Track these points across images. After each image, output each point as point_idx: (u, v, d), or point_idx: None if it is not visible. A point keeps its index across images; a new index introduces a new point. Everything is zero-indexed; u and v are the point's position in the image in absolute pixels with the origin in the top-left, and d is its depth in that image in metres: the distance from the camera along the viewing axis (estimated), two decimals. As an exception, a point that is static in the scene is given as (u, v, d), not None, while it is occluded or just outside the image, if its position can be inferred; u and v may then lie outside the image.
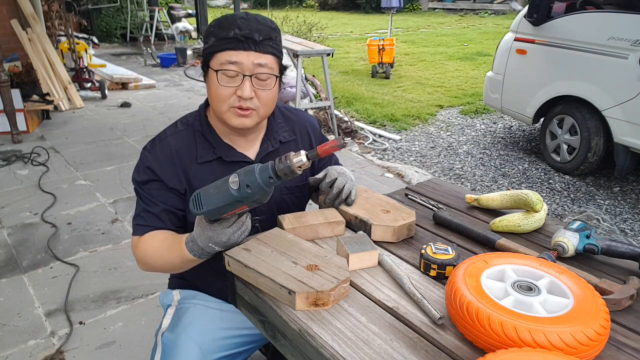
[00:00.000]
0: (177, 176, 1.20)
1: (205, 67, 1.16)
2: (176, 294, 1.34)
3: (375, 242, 1.14)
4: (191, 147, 1.22)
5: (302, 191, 1.35)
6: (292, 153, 0.92)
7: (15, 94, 4.27)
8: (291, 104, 4.43)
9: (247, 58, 1.10)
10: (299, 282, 0.93)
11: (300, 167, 0.91)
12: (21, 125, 4.37)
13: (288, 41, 4.69)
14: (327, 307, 0.92)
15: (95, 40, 9.05)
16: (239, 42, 1.09)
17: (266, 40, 1.12)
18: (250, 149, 1.26)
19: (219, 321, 1.25)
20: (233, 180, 0.92)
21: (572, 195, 3.48)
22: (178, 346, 1.17)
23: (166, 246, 1.14)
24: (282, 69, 1.20)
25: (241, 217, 1.01)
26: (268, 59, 1.12)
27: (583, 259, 1.09)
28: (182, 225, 1.25)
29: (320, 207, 1.30)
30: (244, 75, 1.10)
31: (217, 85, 1.12)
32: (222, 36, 1.10)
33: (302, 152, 0.91)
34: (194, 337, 1.18)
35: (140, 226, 1.21)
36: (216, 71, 1.11)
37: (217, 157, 1.22)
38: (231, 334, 1.25)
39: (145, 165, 1.20)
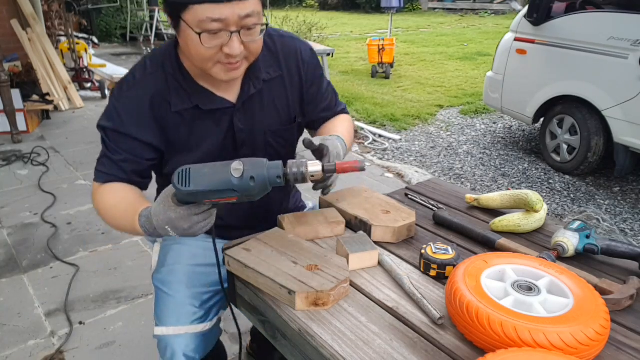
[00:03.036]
0: (149, 127, 1.12)
1: (176, 18, 0.99)
2: None
3: (375, 242, 1.14)
4: (164, 93, 1.11)
5: (289, 132, 1.27)
6: (309, 162, 0.88)
7: (15, 94, 4.27)
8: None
9: (232, 11, 0.94)
10: (299, 282, 0.93)
11: (313, 176, 0.89)
12: (21, 125, 4.36)
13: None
14: (327, 307, 0.92)
15: (95, 40, 9.05)
16: None
17: None
18: (231, 91, 1.15)
19: (201, 258, 1.26)
20: (236, 167, 0.86)
21: (572, 195, 3.48)
22: (167, 286, 1.22)
23: (122, 209, 1.08)
24: (263, 4, 1.06)
25: (212, 209, 0.93)
26: (252, 5, 0.97)
27: (583, 259, 1.09)
28: (148, 176, 1.19)
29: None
30: (232, 32, 0.97)
31: (197, 46, 0.98)
32: None
33: (319, 163, 0.89)
34: (180, 278, 1.22)
35: (101, 173, 1.15)
36: (198, 34, 0.96)
37: (193, 106, 1.12)
38: (210, 271, 1.24)
39: (113, 113, 1.12)
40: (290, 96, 1.23)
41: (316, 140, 1.07)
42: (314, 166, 0.88)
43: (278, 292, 0.94)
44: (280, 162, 0.88)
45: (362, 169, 0.90)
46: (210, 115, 1.15)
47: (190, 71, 1.11)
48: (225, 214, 1.24)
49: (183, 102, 1.12)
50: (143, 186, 1.20)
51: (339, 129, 1.27)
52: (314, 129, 1.35)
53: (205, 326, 1.23)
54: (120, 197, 1.11)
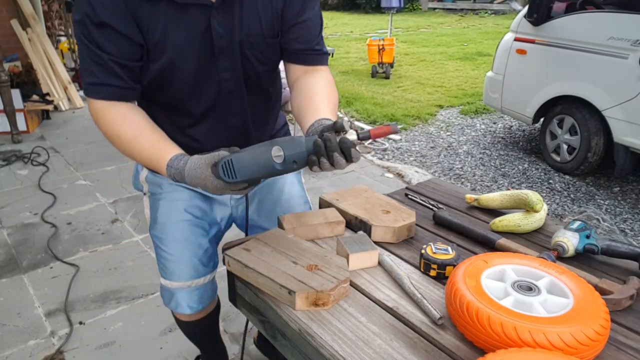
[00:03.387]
0: (125, 18, 0.98)
1: None
2: (144, 183, 1.34)
3: (375, 242, 1.14)
4: None
5: (270, 48, 1.14)
6: (345, 130, 0.85)
7: (15, 94, 4.27)
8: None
9: None
10: (298, 282, 0.93)
11: None
12: (21, 125, 4.36)
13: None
14: (327, 307, 0.92)
15: (95, 40, 9.04)
16: None
17: None
18: None
19: (194, 210, 1.27)
20: (277, 154, 0.87)
21: (572, 195, 3.48)
22: (163, 243, 1.26)
23: (143, 147, 1.04)
24: None
25: (246, 185, 0.96)
26: None
27: (583, 259, 1.09)
28: (139, 81, 1.08)
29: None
30: None
31: None
32: None
33: (353, 132, 0.86)
34: (174, 235, 1.25)
35: (95, 86, 1.02)
36: None
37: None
38: (200, 224, 1.28)
39: (85, 5, 0.96)
40: (275, 6, 1.09)
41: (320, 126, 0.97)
42: (349, 135, 0.86)
43: (278, 292, 0.94)
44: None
45: (396, 132, 0.88)
46: (185, 11, 1.01)
47: None
48: (204, 138, 1.22)
49: None
50: (138, 94, 1.10)
51: (325, 104, 1.09)
52: (287, 61, 1.20)
53: (206, 279, 1.29)
54: (136, 129, 1.05)
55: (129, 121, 1.06)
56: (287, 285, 0.92)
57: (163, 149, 1.03)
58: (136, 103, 1.14)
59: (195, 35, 1.04)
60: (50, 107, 4.86)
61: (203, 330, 1.50)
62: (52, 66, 5.24)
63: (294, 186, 1.39)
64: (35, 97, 4.72)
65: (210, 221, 1.32)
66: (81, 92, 5.68)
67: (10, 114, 4.19)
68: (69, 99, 5.36)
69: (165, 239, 1.26)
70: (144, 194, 1.36)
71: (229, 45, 1.08)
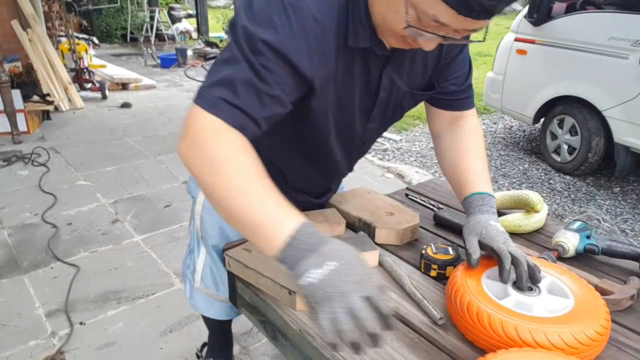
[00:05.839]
0: (321, 61, 0.82)
1: None
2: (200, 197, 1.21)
3: (378, 244, 1.14)
4: (340, 22, 0.83)
5: (424, 97, 1.08)
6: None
7: (16, 94, 4.27)
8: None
9: (461, 25, 0.75)
10: None
11: None
12: (21, 125, 4.36)
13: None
14: None
15: (96, 41, 9.05)
16: (473, 10, 0.72)
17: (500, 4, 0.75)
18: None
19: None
20: None
21: (572, 196, 3.47)
22: (215, 260, 1.23)
23: (261, 195, 0.74)
24: None
25: None
26: (486, 22, 0.80)
27: (583, 259, 1.09)
28: (275, 120, 0.84)
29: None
30: (439, 36, 0.77)
31: (396, 21, 0.77)
32: None
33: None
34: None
35: (228, 104, 0.76)
36: (408, 25, 0.75)
37: (368, 47, 0.87)
38: None
39: (282, 22, 0.76)
40: (443, 58, 1.02)
41: (487, 242, 0.92)
42: None
43: (278, 293, 0.94)
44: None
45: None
46: (366, 62, 0.91)
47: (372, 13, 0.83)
48: (302, 184, 1.18)
49: (364, 38, 0.85)
50: (260, 135, 0.83)
51: (480, 168, 1.05)
52: (437, 107, 1.12)
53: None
54: (255, 172, 0.76)
55: (253, 157, 0.78)
56: (288, 285, 0.92)
57: (292, 210, 0.74)
58: None
59: (364, 84, 0.94)
60: (50, 108, 4.87)
61: (225, 329, 1.59)
62: (53, 67, 5.24)
63: None
64: (35, 97, 4.72)
65: None
66: (82, 93, 5.68)
67: (11, 114, 4.19)
68: (69, 100, 5.36)
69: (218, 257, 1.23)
70: (196, 200, 1.22)
71: (388, 98, 0.99)
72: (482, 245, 0.93)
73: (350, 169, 1.23)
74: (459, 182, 1.06)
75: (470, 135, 1.10)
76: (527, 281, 0.85)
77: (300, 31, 0.77)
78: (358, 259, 0.70)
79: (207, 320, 1.54)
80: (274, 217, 0.72)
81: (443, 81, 1.07)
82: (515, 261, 0.87)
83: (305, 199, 1.23)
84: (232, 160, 0.75)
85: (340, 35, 0.83)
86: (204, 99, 0.77)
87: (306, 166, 1.11)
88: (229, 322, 1.57)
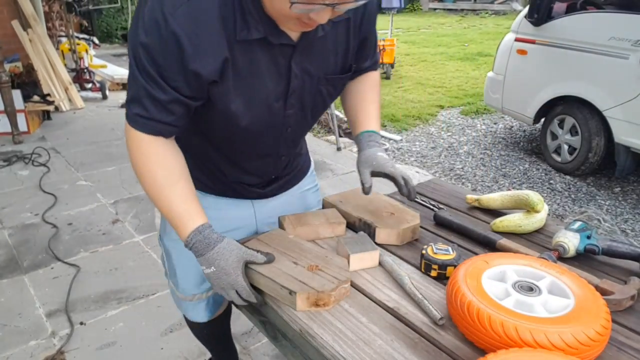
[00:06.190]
0: (214, 53, 0.88)
1: None
2: None
3: (379, 244, 1.14)
4: (228, 14, 0.88)
5: (342, 81, 1.13)
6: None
7: (16, 94, 4.28)
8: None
9: None
10: (299, 282, 0.93)
11: None
12: (22, 125, 4.37)
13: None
14: (328, 308, 0.92)
15: (96, 41, 9.03)
16: None
17: None
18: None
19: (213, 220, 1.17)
20: None
21: (572, 196, 3.47)
22: (177, 254, 1.25)
23: (179, 197, 0.96)
24: None
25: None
26: None
27: (584, 260, 1.09)
28: (190, 116, 0.97)
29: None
30: (327, 5, 0.81)
31: (283, 3, 0.81)
32: None
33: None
34: (182, 249, 1.20)
35: (142, 118, 0.92)
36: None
37: (262, 37, 0.91)
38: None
39: (167, 30, 0.83)
40: (352, 41, 1.07)
41: (379, 169, 1.11)
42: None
43: (279, 293, 0.94)
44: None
45: None
46: (273, 51, 0.95)
47: (263, 2, 0.88)
48: (248, 165, 1.18)
49: (249, 30, 0.89)
50: (182, 131, 0.99)
51: (372, 111, 1.22)
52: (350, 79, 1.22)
53: (209, 293, 1.29)
54: (174, 177, 0.97)
55: (168, 164, 0.97)
56: (288, 285, 0.92)
57: (195, 212, 0.97)
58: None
59: (274, 75, 0.99)
60: (51, 108, 4.87)
61: (212, 333, 1.50)
62: (53, 67, 5.24)
63: (314, 195, 1.40)
64: (36, 97, 4.73)
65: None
66: (82, 93, 5.68)
67: (11, 114, 4.20)
68: (69, 100, 5.37)
69: (173, 253, 1.26)
70: None
71: (303, 85, 1.04)
72: (374, 174, 1.12)
73: (286, 158, 1.22)
74: (354, 122, 1.23)
75: (368, 84, 1.25)
76: (414, 193, 1.11)
77: (178, 31, 0.84)
78: (228, 266, 0.93)
79: (194, 332, 1.50)
80: (178, 221, 0.96)
81: (360, 60, 1.16)
82: (405, 180, 1.11)
83: (251, 190, 1.23)
84: (149, 172, 0.96)
85: (229, 29, 0.88)
86: (127, 116, 0.94)
87: (237, 158, 1.16)
88: (221, 333, 1.54)
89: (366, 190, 1.11)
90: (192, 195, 0.98)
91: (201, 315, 1.33)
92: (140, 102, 0.91)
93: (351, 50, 1.09)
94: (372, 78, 1.25)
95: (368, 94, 1.24)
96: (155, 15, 0.83)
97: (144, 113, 0.91)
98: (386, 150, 4.37)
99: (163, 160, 0.96)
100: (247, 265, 0.99)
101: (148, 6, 0.84)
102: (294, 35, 0.95)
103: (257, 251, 0.99)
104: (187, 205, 0.96)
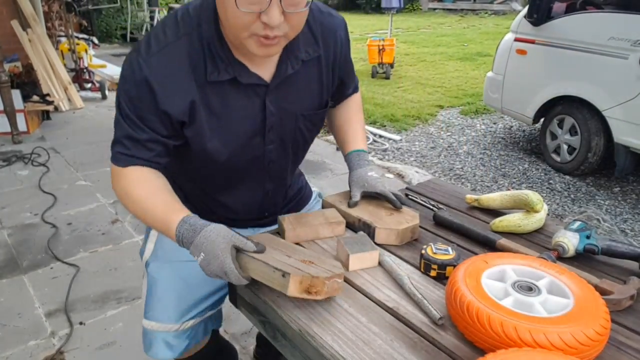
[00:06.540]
0: (186, 94, 0.97)
1: None
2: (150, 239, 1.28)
3: (378, 244, 1.14)
4: (199, 60, 0.96)
5: (319, 116, 1.17)
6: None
7: (16, 94, 4.27)
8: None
9: None
10: (293, 268, 0.91)
11: None
12: (21, 125, 4.37)
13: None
14: (319, 297, 0.90)
15: (96, 41, 9.01)
16: None
17: None
18: (265, 69, 1.02)
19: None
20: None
21: (572, 196, 3.48)
22: (164, 280, 1.19)
23: (155, 208, 0.99)
24: None
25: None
26: None
27: (583, 259, 1.09)
28: (171, 154, 1.05)
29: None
30: None
31: (234, 10, 0.85)
32: None
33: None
34: (179, 272, 1.18)
35: (123, 155, 1.00)
36: None
37: (231, 77, 0.98)
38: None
39: (140, 76, 0.93)
40: (325, 79, 1.13)
41: (371, 190, 1.22)
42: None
43: (271, 277, 0.90)
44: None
45: None
46: (244, 91, 1.02)
47: (229, 43, 0.96)
48: (233, 202, 1.21)
49: (221, 72, 0.97)
50: (164, 166, 1.06)
51: (358, 131, 1.31)
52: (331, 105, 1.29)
53: (187, 324, 1.21)
54: (151, 190, 1.01)
55: (144, 182, 1.01)
56: (282, 267, 0.89)
57: (178, 208, 0.98)
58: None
59: (249, 114, 1.05)
60: (50, 108, 4.87)
61: None
62: (53, 67, 5.24)
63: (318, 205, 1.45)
64: (35, 97, 4.72)
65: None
66: (82, 93, 5.69)
67: (11, 114, 4.19)
68: (69, 100, 5.37)
69: (159, 279, 1.19)
70: (151, 229, 1.26)
71: (279, 122, 1.08)
72: (366, 193, 1.23)
73: (274, 193, 1.25)
74: (342, 143, 1.32)
75: (352, 108, 1.33)
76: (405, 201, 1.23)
77: (160, 77, 0.94)
78: (216, 248, 0.91)
79: None
80: (164, 223, 0.97)
81: (343, 89, 1.27)
82: (396, 195, 1.21)
83: (247, 223, 1.27)
84: (132, 191, 1.01)
85: (199, 73, 0.97)
86: (111, 156, 1.03)
87: (223, 195, 1.19)
88: None
89: (351, 205, 1.22)
90: (175, 200, 1.01)
91: (175, 349, 1.21)
92: (122, 143, 1.00)
93: (325, 86, 1.14)
94: (355, 101, 1.34)
95: (353, 116, 1.33)
96: (132, 63, 0.95)
97: (125, 151, 1.00)
98: (385, 150, 4.37)
99: (139, 181, 1.01)
100: (238, 252, 0.95)
101: (130, 56, 0.97)
102: (266, 75, 1.02)
103: (247, 239, 0.97)
104: (170, 206, 0.99)
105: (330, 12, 1.13)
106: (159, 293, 1.19)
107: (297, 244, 1.12)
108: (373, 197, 1.29)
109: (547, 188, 3.61)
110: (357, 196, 1.22)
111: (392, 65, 7.24)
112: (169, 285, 1.19)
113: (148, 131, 0.98)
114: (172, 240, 0.98)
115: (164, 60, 0.95)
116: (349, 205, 1.22)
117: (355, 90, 1.33)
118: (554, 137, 3.92)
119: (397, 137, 4.70)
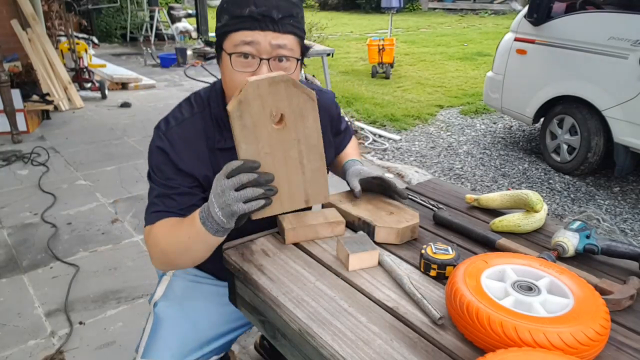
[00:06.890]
0: (205, 161, 1.11)
1: (219, 49, 1.05)
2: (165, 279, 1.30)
3: (378, 243, 1.14)
4: (209, 131, 1.12)
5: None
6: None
7: (15, 94, 4.27)
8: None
9: (264, 38, 0.98)
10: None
11: None
12: (21, 125, 4.36)
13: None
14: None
15: (95, 41, 9.05)
16: (255, 20, 0.96)
17: (286, 17, 0.99)
18: None
19: (214, 296, 1.24)
20: None
21: (572, 195, 3.48)
22: (171, 319, 1.18)
23: (177, 225, 1.04)
24: (304, 49, 1.07)
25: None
26: (288, 39, 1.00)
27: (583, 259, 1.09)
28: (192, 206, 1.11)
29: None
30: (261, 59, 0.99)
31: (230, 71, 1.00)
32: (236, 14, 0.98)
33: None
34: (188, 312, 1.19)
35: (154, 213, 1.09)
36: (230, 54, 1.00)
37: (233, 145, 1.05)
38: (225, 310, 1.22)
39: (159, 146, 1.09)
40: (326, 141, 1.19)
41: (366, 176, 1.27)
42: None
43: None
44: None
45: None
46: None
47: None
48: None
49: (225, 140, 1.11)
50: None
51: (353, 155, 1.42)
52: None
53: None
54: (175, 220, 1.07)
55: (165, 223, 1.07)
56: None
57: (194, 214, 1.02)
58: None
59: None
60: (50, 107, 4.86)
61: None
62: (52, 66, 5.24)
63: None
64: (35, 97, 4.72)
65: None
66: (81, 92, 5.68)
67: (10, 114, 4.19)
68: (69, 99, 5.36)
69: (165, 319, 1.18)
70: (164, 274, 1.29)
71: None
72: (363, 180, 1.27)
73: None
74: (339, 163, 1.41)
75: (350, 145, 1.48)
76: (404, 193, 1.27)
77: (182, 146, 1.09)
78: (217, 188, 0.92)
79: None
80: (188, 227, 1.00)
81: (341, 145, 1.43)
82: (392, 182, 1.26)
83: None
84: (158, 238, 1.06)
85: (211, 142, 1.12)
86: (146, 220, 1.10)
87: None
88: None
89: (357, 194, 1.26)
90: (185, 219, 1.06)
91: None
92: (153, 203, 1.10)
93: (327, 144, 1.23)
94: (351, 145, 1.48)
95: (350, 150, 1.46)
96: (154, 137, 1.11)
97: (155, 208, 1.09)
98: (385, 150, 4.37)
99: (164, 224, 1.07)
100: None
101: (154, 132, 1.12)
102: None
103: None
104: (185, 221, 1.03)
105: (321, 89, 1.33)
106: (163, 332, 1.17)
107: (296, 244, 1.13)
108: (373, 196, 1.30)
109: (547, 188, 3.61)
110: (357, 186, 1.26)
111: (392, 65, 7.25)
112: (175, 324, 1.17)
113: (174, 186, 1.09)
114: (203, 231, 0.96)
115: (181, 131, 1.10)
116: (355, 196, 1.26)
117: (350, 138, 1.48)
118: (553, 136, 3.93)
119: (397, 136, 4.70)
